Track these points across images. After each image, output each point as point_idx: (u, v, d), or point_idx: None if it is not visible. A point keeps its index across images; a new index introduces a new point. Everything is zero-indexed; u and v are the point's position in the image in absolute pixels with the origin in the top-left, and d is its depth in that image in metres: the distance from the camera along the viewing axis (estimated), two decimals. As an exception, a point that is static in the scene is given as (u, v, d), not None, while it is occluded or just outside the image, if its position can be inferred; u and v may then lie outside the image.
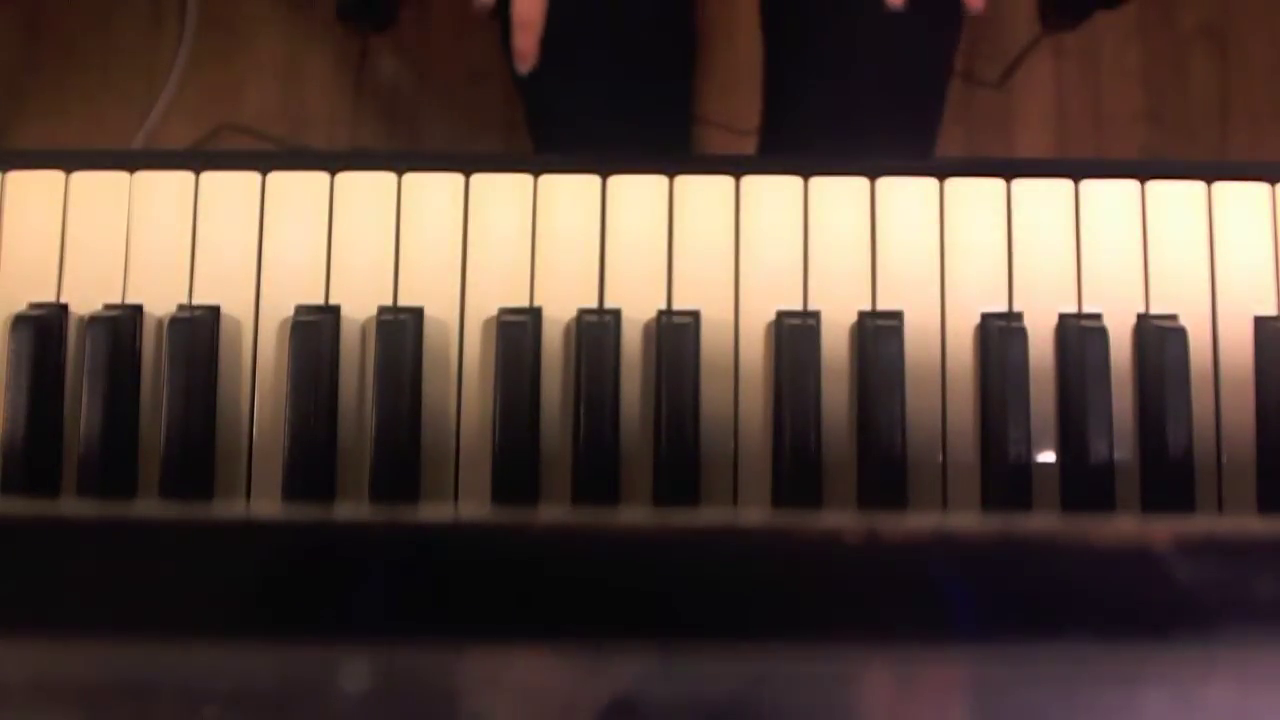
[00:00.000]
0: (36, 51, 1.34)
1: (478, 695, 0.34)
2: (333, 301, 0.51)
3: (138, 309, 0.51)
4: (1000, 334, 0.50)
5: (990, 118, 1.31)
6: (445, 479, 0.51)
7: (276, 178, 0.52)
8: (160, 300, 0.51)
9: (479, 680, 0.34)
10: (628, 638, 0.33)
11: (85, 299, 0.51)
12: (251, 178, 0.52)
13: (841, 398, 0.51)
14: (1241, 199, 0.52)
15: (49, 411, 0.50)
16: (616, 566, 0.34)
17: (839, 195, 0.52)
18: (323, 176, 0.52)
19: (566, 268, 0.51)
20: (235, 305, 0.51)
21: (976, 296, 0.51)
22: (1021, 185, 0.52)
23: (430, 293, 0.51)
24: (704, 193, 0.52)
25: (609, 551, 0.34)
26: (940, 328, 0.51)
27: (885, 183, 0.52)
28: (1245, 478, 0.50)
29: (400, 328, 0.50)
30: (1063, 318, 0.51)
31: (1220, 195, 0.52)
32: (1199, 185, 0.52)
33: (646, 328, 0.51)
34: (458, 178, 0.52)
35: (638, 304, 0.51)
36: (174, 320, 0.50)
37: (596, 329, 0.50)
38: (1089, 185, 0.52)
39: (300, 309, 0.51)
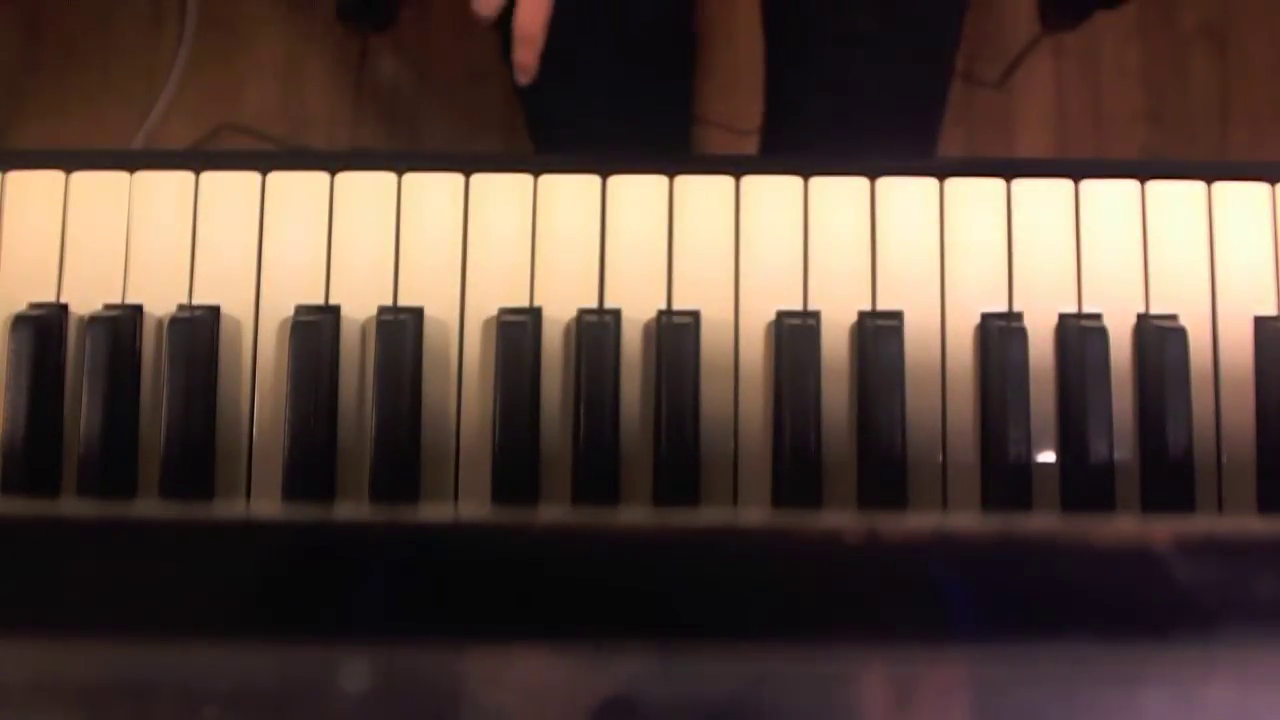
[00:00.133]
0: (36, 51, 1.34)
1: (478, 695, 0.34)
2: (333, 301, 0.51)
3: (138, 309, 0.51)
4: (1000, 334, 0.50)
5: (990, 118, 1.31)
6: (445, 479, 0.51)
7: (276, 178, 0.52)
8: (160, 300, 0.51)
9: (479, 680, 0.34)
10: (628, 638, 0.33)
11: (85, 299, 0.51)
12: (251, 178, 0.52)
13: (841, 398, 0.51)
14: (1241, 199, 0.52)
15: (49, 411, 0.50)
16: (616, 566, 0.34)
17: (839, 195, 0.52)
18: (323, 176, 0.52)
19: (566, 268, 0.51)
20: (235, 305, 0.51)
21: (976, 296, 0.51)
22: (1021, 185, 0.52)
23: (430, 293, 0.51)
24: (704, 193, 0.52)
25: (609, 551, 0.34)
26: (940, 328, 0.51)
27: (885, 183, 0.52)
28: (1245, 478, 0.50)
29: (400, 328, 0.50)
30: (1063, 318, 0.51)
31: (1220, 195, 0.52)
32: (1199, 185, 0.52)
33: (646, 328, 0.51)
34: (458, 178, 0.52)
35: (638, 304, 0.51)
36: (174, 320, 0.50)
37: (596, 329, 0.50)
38: (1089, 185, 0.52)
39: (300, 309, 0.51)
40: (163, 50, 1.33)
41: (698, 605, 0.33)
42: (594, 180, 0.52)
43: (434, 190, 0.52)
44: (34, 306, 0.51)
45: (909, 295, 0.51)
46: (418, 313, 0.51)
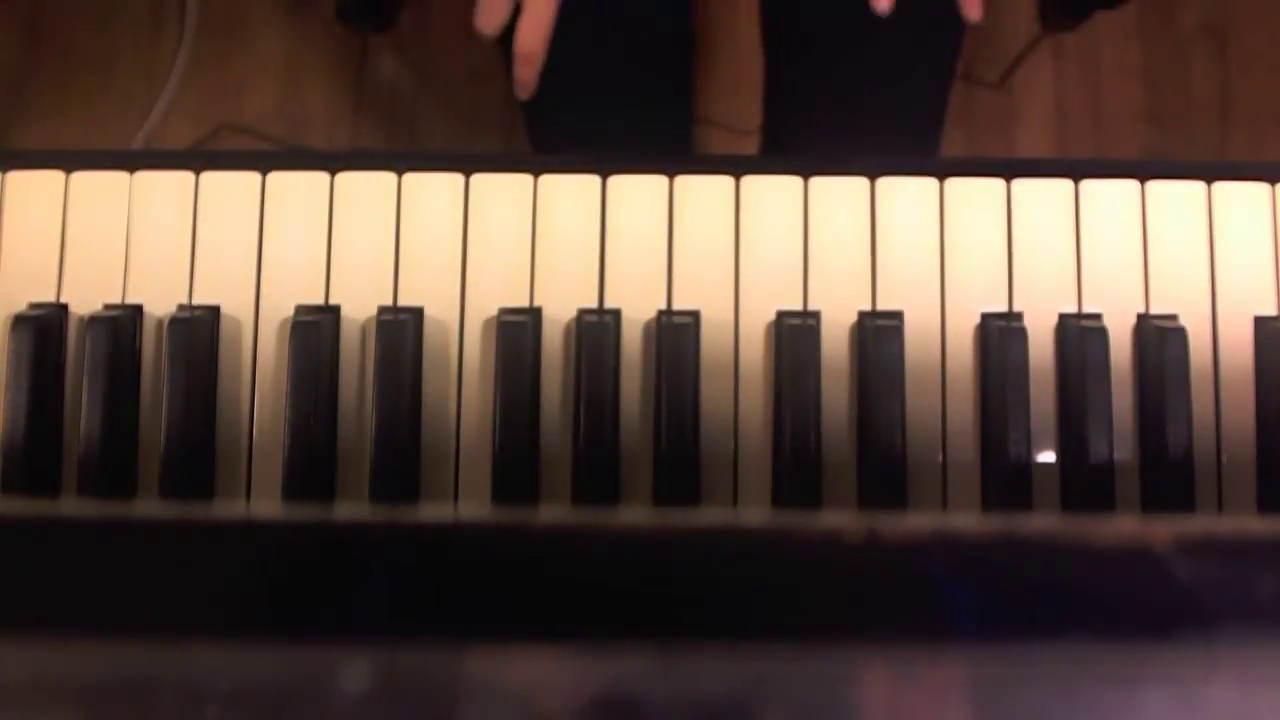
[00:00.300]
0: (36, 52, 1.34)
1: (477, 695, 0.34)
2: (333, 301, 0.51)
3: (138, 309, 0.51)
4: (1000, 334, 0.50)
5: (990, 118, 1.31)
6: (445, 479, 0.51)
7: (276, 178, 0.52)
8: (160, 300, 0.51)
9: (479, 680, 0.34)
10: (628, 638, 0.33)
11: (85, 299, 0.51)
12: (251, 178, 0.52)
13: (841, 398, 0.51)
14: (1241, 199, 0.52)
15: (49, 411, 0.50)
16: (616, 566, 0.34)
17: (839, 195, 0.52)
18: (323, 176, 0.52)
19: (566, 268, 0.51)
20: (235, 305, 0.51)
21: (976, 296, 0.51)
22: (1021, 185, 0.52)
23: (430, 293, 0.51)
24: (704, 193, 0.52)
25: (609, 551, 0.34)
26: (940, 328, 0.51)
27: (885, 183, 0.52)
28: (1245, 478, 0.50)
29: (400, 328, 0.50)
30: (1063, 318, 0.51)
31: (1220, 195, 0.52)
32: (1199, 185, 0.52)
33: (646, 328, 0.51)
34: (458, 178, 0.52)
35: (638, 304, 0.51)
36: (174, 320, 0.50)
37: (596, 329, 0.50)
38: (1089, 185, 0.52)
39: (300, 309, 0.51)
40: (163, 50, 1.33)
41: (698, 605, 0.33)
42: (594, 180, 0.52)
43: (434, 190, 0.52)
44: (34, 306, 0.51)
45: (909, 295, 0.51)
46: (418, 313, 0.51)
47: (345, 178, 0.52)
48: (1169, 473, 0.50)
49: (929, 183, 0.52)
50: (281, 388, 0.50)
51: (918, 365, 0.51)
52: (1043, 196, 0.52)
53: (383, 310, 0.51)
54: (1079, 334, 0.50)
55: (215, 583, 0.34)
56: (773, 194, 0.52)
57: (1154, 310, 0.51)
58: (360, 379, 0.51)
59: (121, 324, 0.50)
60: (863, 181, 0.52)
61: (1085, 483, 0.49)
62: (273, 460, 0.50)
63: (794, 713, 0.33)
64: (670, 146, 0.92)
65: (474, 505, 0.50)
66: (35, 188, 0.52)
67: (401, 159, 0.52)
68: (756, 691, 0.33)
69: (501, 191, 0.52)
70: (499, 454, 0.50)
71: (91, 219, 0.52)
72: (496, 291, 0.51)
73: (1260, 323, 0.51)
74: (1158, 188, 0.52)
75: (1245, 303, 0.51)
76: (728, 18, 1.28)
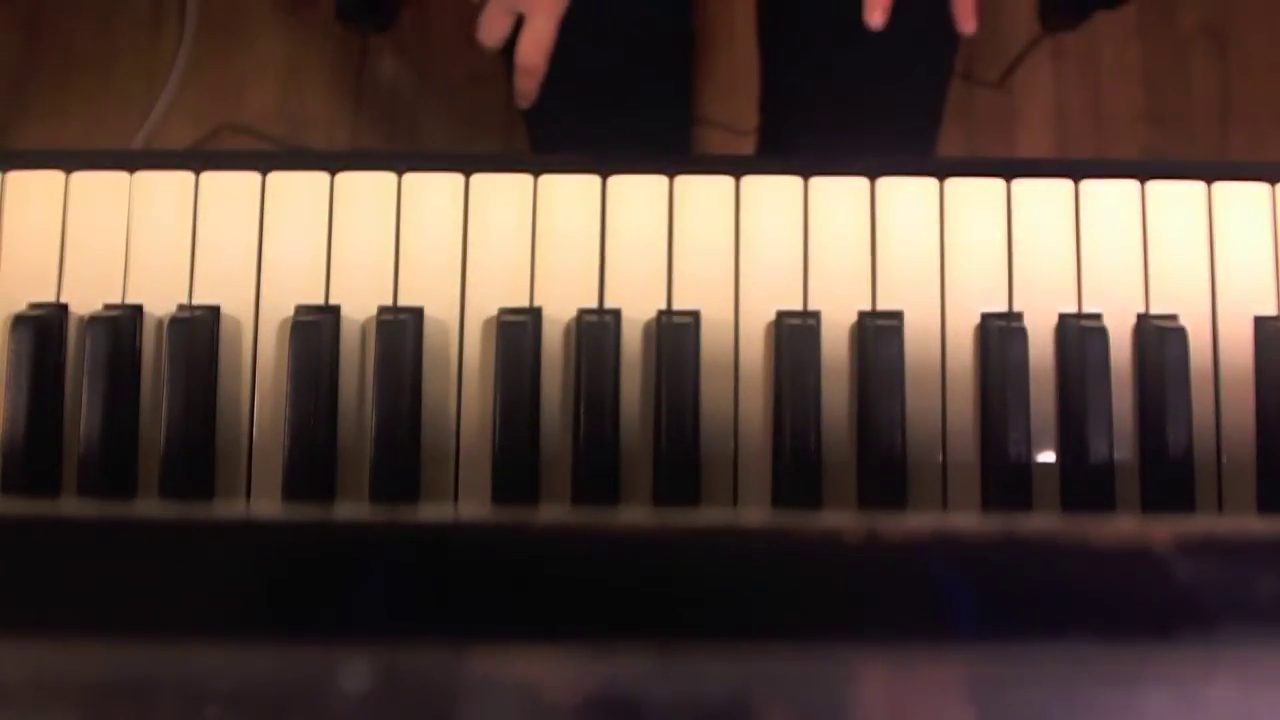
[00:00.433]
0: (36, 52, 1.34)
1: (478, 695, 0.34)
2: (333, 301, 0.51)
3: (138, 309, 0.51)
4: (1000, 334, 0.50)
5: (990, 118, 1.31)
6: (445, 479, 0.51)
7: (276, 178, 0.52)
8: (160, 300, 0.51)
9: (479, 680, 0.34)
10: (628, 638, 0.33)
11: (85, 299, 0.51)
12: (251, 178, 0.52)
13: (841, 398, 0.51)
14: (1241, 199, 0.52)
15: (49, 411, 0.50)
16: (616, 566, 0.34)
17: (839, 195, 0.52)
18: (323, 176, 0.52)
19: (566, 268, 0.51)
20: (235, 305, 0.51)
21: (976, 296, 0.51)
22: (1021, 185, 0.52)
23: (430, 293, 0.51)
24: (704, 193, 0.52)
25: (609, 551, 0.34)
26: (940, 328, 0.51)
27: (885, 183, 0.52)
28: (1245, 478, 0.50)
29: (400, 328, 0.50)
30: (1063, 318, 0.51)
31: (1220, 195, 0.52)
32: (1199, 185, 0.52)
33: (646, 328, 0.51)
34: (458, 178, 0.52)
35: (638, 304, 0.51)
36: (174, 320, 0.50)
37: (596, 329, 0.50)
38: (1089, 185, 0.52)
39: (300, 309, 0.51)
40: (163, 50, 1.33)
41: (698, 605, 0.33)
42: (594, 180, 0.52)
43: (434, 190, 0.52)
44: (34, 306, 0.51)
45: (909, 295, 0.51)
46: (418, 313, 0.51)
47: (345, 178, 0.52)
48: (1169, 473, 0.50)
49: (929, 183, 0.52)
50: (281, 388, 0.50)
51: (918, 365, 0.51)
52: (1043, 196, 0.52)
53: (383, 310, 0.51)
54: (1079, 334, 0.50)
55: (215, 583, 0.34)
56: (773, 194, 0.52)
57: (1154, 310, 0.51)
58: (360, 379, 0.51)
59: (121, 324, 0.50)
60: (863, 181, 0.52)
61: (1085, 483, 0.49)
62: (273, 460, 0.50)
63: (794, 713, 0.33)
64: (670, 146, 0.92)
65: (474, 505, 0.50)
66: (35, 188, 0.52)
67: (401, 159, 0.52)
68: (756, 691, 0.33)
69: (501, 191, 0.52)
70: (499, 454, 0.50)
71: (91, 219, 0.52)
72: (496, 291, 0.51)
73: (1260, 323, 0.51)
74: (1158, 188, 0.52)
75: (1245, 303, 0.51)
76: (726, 18, 1.28)
